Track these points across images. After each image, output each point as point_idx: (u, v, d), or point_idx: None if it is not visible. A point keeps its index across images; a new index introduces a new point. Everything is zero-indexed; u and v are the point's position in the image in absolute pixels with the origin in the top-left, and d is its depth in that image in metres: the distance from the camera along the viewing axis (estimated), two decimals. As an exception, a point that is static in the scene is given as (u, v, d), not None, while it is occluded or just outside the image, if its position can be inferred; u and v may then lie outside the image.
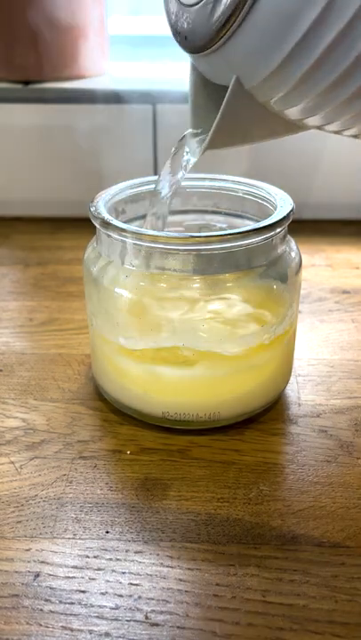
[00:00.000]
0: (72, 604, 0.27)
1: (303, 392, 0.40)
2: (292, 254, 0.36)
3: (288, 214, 0.34)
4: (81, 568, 0.28)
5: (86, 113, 0.63)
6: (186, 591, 0.27)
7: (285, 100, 0.27)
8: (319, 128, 0.29)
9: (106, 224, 0.33)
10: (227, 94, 0.28)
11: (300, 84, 0.26)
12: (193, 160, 0.35)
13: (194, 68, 0.33)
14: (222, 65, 0.28)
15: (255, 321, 0.34)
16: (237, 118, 0.30)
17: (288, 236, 0.36)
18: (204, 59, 0.29)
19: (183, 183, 0.41)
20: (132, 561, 0.28)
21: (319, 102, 0.26)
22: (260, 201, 0.38)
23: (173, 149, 0.35)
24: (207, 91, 0.33)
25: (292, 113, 0.28)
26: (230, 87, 0.28)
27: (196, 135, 0.34)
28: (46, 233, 0.64)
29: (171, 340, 0.33)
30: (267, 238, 0.33)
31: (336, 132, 0.30)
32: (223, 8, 0.25)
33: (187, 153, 0.35)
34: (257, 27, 0.25)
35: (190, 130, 0.35)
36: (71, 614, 0.26)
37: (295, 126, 0.31)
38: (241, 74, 0.28)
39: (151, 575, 0.28)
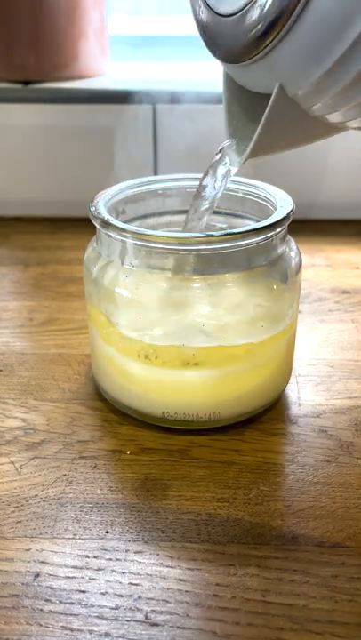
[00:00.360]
0: (72, 604, 0.27)
1: (303, 392, 0.40)
2: (292, 254, 0.36)
3: (288, 214, 0.34)
4: (81, 568, 0.28)
5: (86, 113, 0.63)
6: (186, 591, 0.27)
7: (330, 105, 0.27)
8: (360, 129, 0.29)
9: (106, 224, 0.33)
10: (270, 103, 0.28)
11: (346, 89, 0.25)
12: (234, 170, 0.34)
13: (227, 76, 0.32)
14: (263, 74, 0.28)
15: (255, 321, 0.34)
16: (279, 126, 0.29)
17: (288, 236, 0.36)
18: (241, 68, 0.29)
19: (183, 183, 0.41)
20: (132, 561, 0.28)
21: None
22: (260, 201, 0.38)
23: (215, 157, 0.35)
24: (243, 98, 0.32)
25: (335, 117, 0.28)
26: (273, 96, 0.28)
27: (233, 143, 0.34)
28: (46, 233, 0.64)
29: (171, 339, 0.33)
30: (267, 238, 0.33)
31: None
32: (267, 18, 0.25)
33: (225, 164, 0.35)
34: (304, 36, 0.24)
35: (227, 140, 0.34)
36: (71, 614, 0.26)
37: (335, 129, 0.30)
38: (284, 82, 0.27)
39: (151, 575, 0.28)
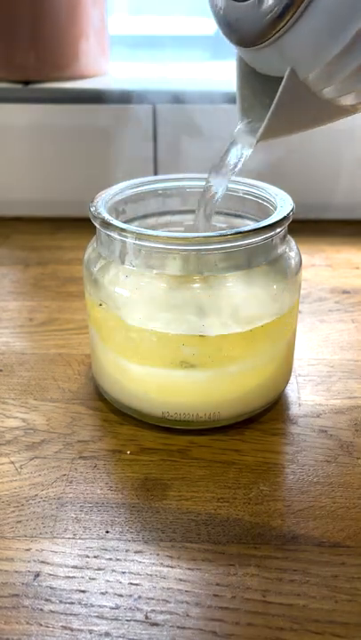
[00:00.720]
0: (72, 603, 0.27)
1: (303, 392, 0.40)
2: (292, 254, 0.36)
3: (288, 214, 0.34)
4: (81, 568, 0.28)
5: (86, 113, 0.63)
6: (186, 591, 0.27)
7: (341, 88, 0.28)
8: None
9: (106, 224, 0.33)
10: (281, 86, 0.29)
11: (359, 71, 0.26)
12: (248, 151, 0.35)
13: (241, 60, 0.33)
14: (275, 57, 0.29)
15: (255, 321, 0.34)
16: (291, 108, 0.30)
17: (288, 236, 0.36)
18: (254, 52, 0.29)
19: (183, 183, 0.41)
20: (132, 561, 0.28)
21: None
22: (260, 201, 0.38)
23: (223, 154, 0.35)
24: (255, 81, 0.33)
25: (347, 99, 0.29)
26: (285, 79, 0.28)
27: (246, 125, 0.34)
28: (46, 233, 0.64)
29: (171, 339, 0.33)
30: (267, 238, 0.33)
31: None
32: (283, 1, 0.25)
33: (237, 148, 0.35)
34: (316, 19, 0.25)
35: (239, 125, 0.35)
36: (71, 614, 0.26)
37: (345, 111, 0.31)
38: (296, 65, 0.28)
39: (151, 575, 0.28)
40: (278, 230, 0.33)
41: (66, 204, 0.67)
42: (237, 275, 0.33)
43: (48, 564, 0.28)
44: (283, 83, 0.29)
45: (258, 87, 0.33)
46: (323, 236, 0.63)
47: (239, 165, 0.35)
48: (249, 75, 0.33)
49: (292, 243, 0.37)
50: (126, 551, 0.29)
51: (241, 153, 0.35)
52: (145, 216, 0.41)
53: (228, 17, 0.29)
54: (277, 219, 0.33)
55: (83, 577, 0.28)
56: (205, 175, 0.40)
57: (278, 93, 0.29)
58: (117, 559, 0.29)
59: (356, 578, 0.28)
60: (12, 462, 0.34)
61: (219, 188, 0.36)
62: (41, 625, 0.26)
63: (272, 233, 0.33)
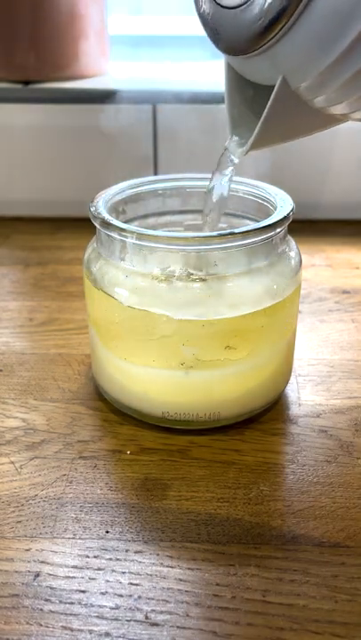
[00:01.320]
0: (72, 603, 0.27)
1: (303, 392, 0.40)
2: (292, 254, 0.36)
3: (288, 214, 0.34)
4: (81, 568, 0.28)
5: (86, 113, 0.63)
6: (186, 591, 0.27)
7: (333, 98, 0.27)
8: None
9: (106, 224, 0.33)
10: (272, 96, 0.28)
11: (351, 81, 0.25)
12: (235, 161, 0.35)
13: (230, 68, 0.32)
14: (266, 66, 0.28)
15: (255, 321, 0.34)
16: (281, 118, 0.29)
17: (288, 235, 0.36)
18: (245, 60, 0.28)
19: (183, 183, 0.41)
20: (132, 561, 0.28)
21: None
22: (260, 201, 0.38)
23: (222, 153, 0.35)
24: (245, 87, 0.32)
25: (338, 109, 0.28)
26: (276, 89, 0.27)
27: (234, 135, 0.34)
28: (46, 233, 0.64)
29: (171, 339, 0.33)
30: (267, 238, 0.33)
31: None
32: (271, 12, 0.24)
33: (230, 160, 0.35)
34: (308, 29, 0.24)
35: (229, 130, 0.34)
36: (71, 614, 0.26)
37: (336, 120, 0.30)
38: (288, 75, 0.27)
39: (151, 575, 0.28)
40: (278, 230, 0.33)
41: (66, 204, 0.67)
42: (237, 275, 0.33)
43: (48, 563, 0.28)
44: (274, 92, 0.28)
45: (249, 93, 0.32)
46: (323, 236, 0.63)
47: (231, 177, 0.35)
48: (239, 80, 0.32)
49: (292, 243, 0.37)
50: (126, 551, 0.29)
51: (232, 166, 0.35)
52: (145, 216, 0.41)
53: (215, 23, 0.28)
54: (278, 219, 0.33)
55: (83, 577, 0.28)
56: (205, 175, 0.40)
57: (269, 103, 0.28)
58: (117, 559, 0.29)
59: (356, 578, 0.28)
60: (12, 462, 0.34)
61: (221, 191, 0.36)
62: (41, 625, 0.26)
63: (272, 233, 0.33)
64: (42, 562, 0.28)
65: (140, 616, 0.26)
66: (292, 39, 0.25)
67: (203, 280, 0.33)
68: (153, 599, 0.27)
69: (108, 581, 0.27)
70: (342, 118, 0.30)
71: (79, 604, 0.27)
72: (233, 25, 0.27)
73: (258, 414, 0.37)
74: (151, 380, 0.35)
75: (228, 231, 0.32)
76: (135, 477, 0.33)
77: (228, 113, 0.34)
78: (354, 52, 0.24)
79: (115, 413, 0.38)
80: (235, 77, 0.32)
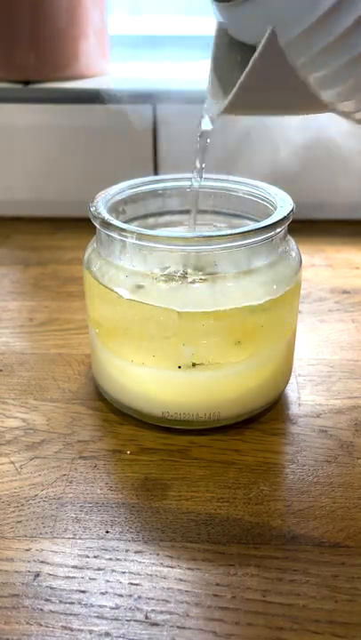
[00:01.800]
0: (72, 603, 0.27)
1: (303, 392, 0.40)
2: (292, 254, 0.36)
3: (288, 214, 0.34)
4: (81, 568, 0.28)
5: (86, 113, 0.63)
6: (186, 591, 0.27)
7: (318, 61, 0.26)
8: (341, 113, 0.29)
9: (106, 224, 0.33)
10: (259, 47, 0.27)
11: (340, 40, 0.25)
12: (211, 126, 0.34)
13: (219, 31, 0.31)
14: (257, 15, 0.27)
15: (255, 321, 0.34)
16: (264, 78, 0.28)
17: (288, 235, 0.36)
18: (236, 9, 0.28)
19: (183, 183, 0.40)
20: (132, 561, 0.28)
21: (352, 68, 0.25)
22: (260, 201, 0.38)
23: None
24: (233, 54, 0.32)
25: (327, 94, 0.27)
26: (264, 40, 0.27)
27: (213, 102, 0.34)
28: (46, 233, 0.64)
29: (171, 339, 0.33)
30: (267, 238, 0.33)
31: (353, 115, 0.29)
32: None
33: (205, 122, 0.34)
34: None
35: (208, 94, 0.34)
36: (71, 614, 0.26)
37: (322, 106, 0.30)
38: (278, 24, 0.26)
39: (151, 575, 0.28)
40: (278, 230, 0.33)
41: (66, 204, 0.67)
42: (237, 275, 0.33)
43: (48, 564, 0.28)
44: (261, 43, 0.27)
45: (236, 59, 0.32)
46: (323, 236, 0.63)
47: (206, 140, 0.34)
48: (228, 46, 0.31)
49: (292, 243, 0.37)
50: (126, 551, 0.29)
51: (206, 128, 0.35)
52: (145, 216, 0.41)
53: None
54: (278, 219, 0.33)
55: (83, 577, 0.28)
56: (205, 175, 0.40)
57: (255, 55, 0.27)
58: (117, 559, 0.29)
59: (356, 578, 0.28)
60: (12, 462, 0.34)
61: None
62: (41, 625, 0.26)
63: (272, 233, 0.33)
64: (42, 562, 0.28)
65: (140, 616, 0.26)
66: None
67: (203, 280, 0.33)
68: (153, 599, 0.27)
69: (108, 581, 0.27)
70: (329, 106, 0.29)
71: (79, 604, 0.27)
72: None
73: (258, 414, 0.37)
74: (151, 379, 0.35)
75: (228, 231, 0.32)
76: (135, 477, 0.33)
77: (210, 77, 0.33)
78: (343, 5, 0.24)
79: (115, 413, 0.38)
80: (224, 42, 0.32)
